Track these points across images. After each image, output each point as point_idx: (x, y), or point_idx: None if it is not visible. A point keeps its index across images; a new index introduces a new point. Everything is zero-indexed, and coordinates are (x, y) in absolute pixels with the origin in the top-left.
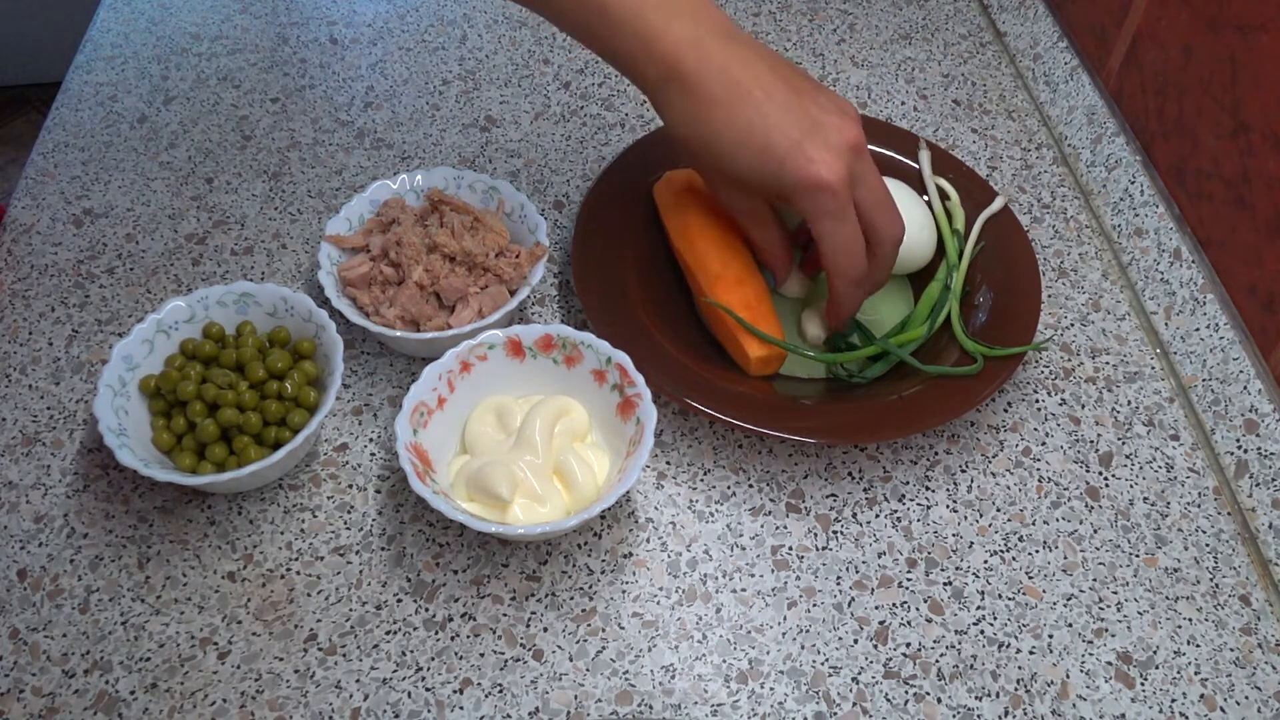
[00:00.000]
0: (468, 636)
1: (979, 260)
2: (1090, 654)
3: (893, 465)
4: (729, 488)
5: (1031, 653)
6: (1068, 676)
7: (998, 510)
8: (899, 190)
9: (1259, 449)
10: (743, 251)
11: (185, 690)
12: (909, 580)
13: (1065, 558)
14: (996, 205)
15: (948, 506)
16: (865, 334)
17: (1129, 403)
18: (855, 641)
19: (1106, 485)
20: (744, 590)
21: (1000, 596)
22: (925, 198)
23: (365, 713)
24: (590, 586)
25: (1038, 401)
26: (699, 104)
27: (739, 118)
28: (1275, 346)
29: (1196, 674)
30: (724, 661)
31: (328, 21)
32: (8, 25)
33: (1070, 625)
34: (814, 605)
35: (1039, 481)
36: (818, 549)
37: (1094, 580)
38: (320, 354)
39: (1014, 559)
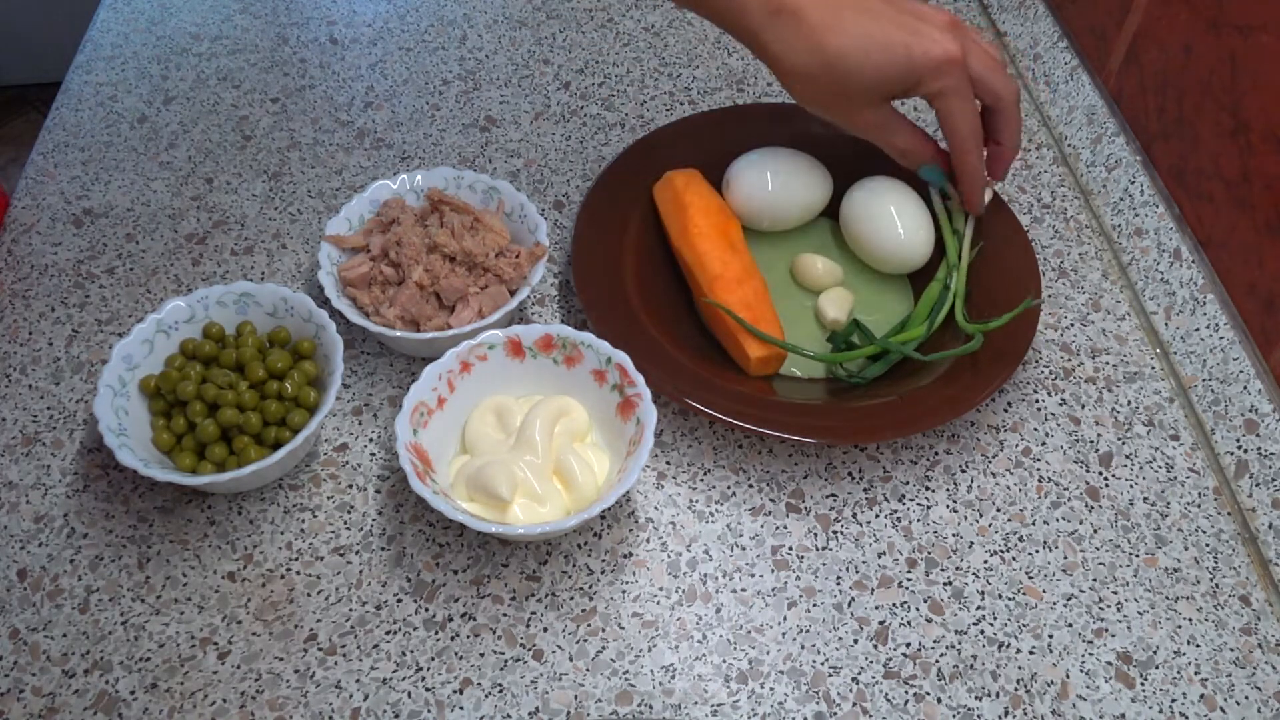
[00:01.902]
0: (468, 636)
1: (979, 260)
2: (1090, 654)
3: (893, 465)
4: (729, 488)
5: (1031, 653)
6: (1068, 676)
7: (998, 510)
8: (899, 190)
9: (1259, 449)
10: (743, 252)
11: (185, 690)
12: (909, 580)
13: (1065, 558)
14: (985, 197)
15: (948, 506)
16: (865, 334)
17: (1129, 403)
18: (855, 641)
19: (1106, 485)
20: (744, 590)
21: (1000, 596)
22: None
23: (365, 713)
24: (590, 586)
25: (1038, 401)
26: (813, 30)
27: (855, 30)
28: (1275, 346)
29: (1196, 674)
30: (724, 661)
31: (328, 21)
32: (8, 25)
33: (1070, 625)
34: (814, 605)
35: (1039, 481)
36: (818, 549)
37: (1094, 580)
38: (320, 354)
39: (1014, 559)
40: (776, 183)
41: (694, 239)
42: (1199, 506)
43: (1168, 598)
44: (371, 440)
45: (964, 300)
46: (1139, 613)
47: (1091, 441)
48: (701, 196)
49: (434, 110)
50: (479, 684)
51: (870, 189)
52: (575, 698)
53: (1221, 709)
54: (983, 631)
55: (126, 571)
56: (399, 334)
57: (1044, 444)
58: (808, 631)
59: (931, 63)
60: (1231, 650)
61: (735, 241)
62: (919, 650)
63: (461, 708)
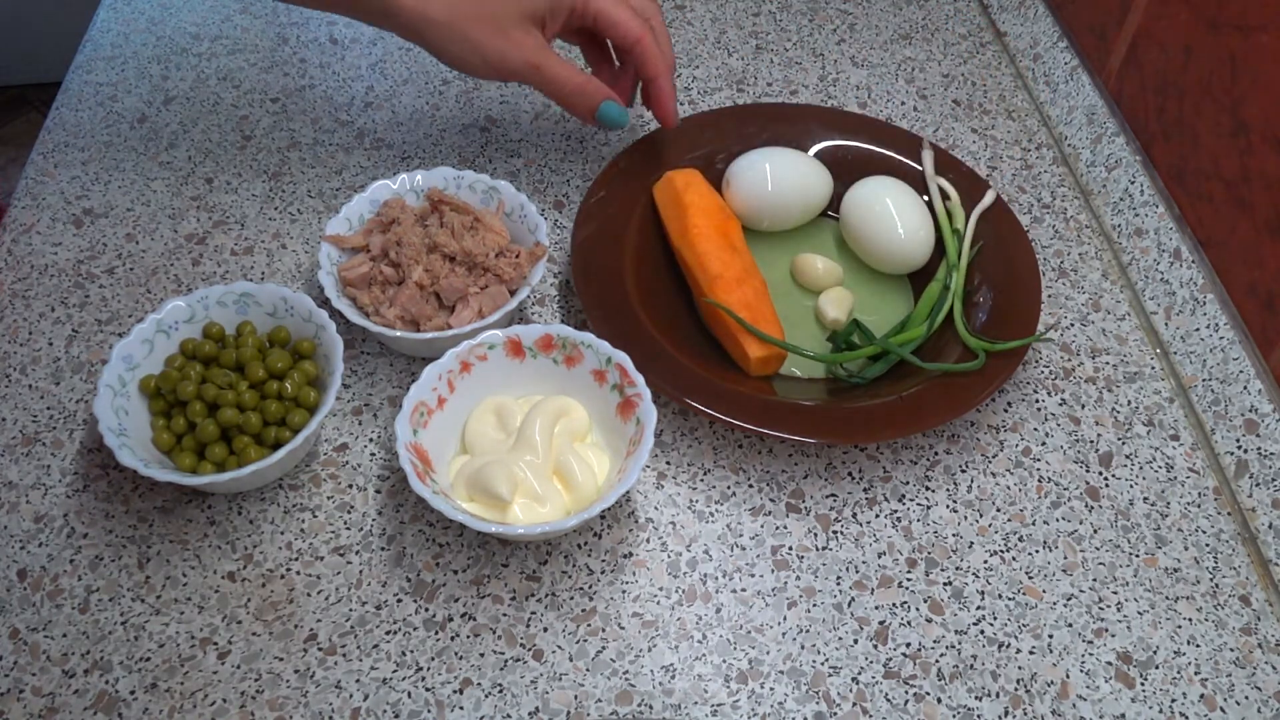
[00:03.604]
0: (468, 636)
1: (979, 260)
2: (1090, 654)
3: (893, 465)
4: (729, 488)
5: (1031, 653)
6: (1068, 676)
7: (998, 510)
8: (899, 190)
9: (1259, 449)
10: (743, 252)
11: (185, 690)
12: (909, 580)
13: (1065, 558)
14: (988, 199)
15: (948, 506)
16: (865, 334)
17: (1129, 403)
18: (855, 641)
19: (1106, 485)
20: (744, 590)
21: (1000, 596)
22: (925, 198)
23: (365, 713)
24: (590, 586)
25: (1038, 401)
26: None
27: None
28: (1275, 346)
29: (1196, 674)
30: (724, 661)
31: (328, 21)
32: (8, 25)
33: (1070, 625)
34: (814, 605)
35: (1039, 481)
36: (818, 549)
37: (1094, 580)
38: (320, 354)
39: (1014, 559)
40: (777, 182)
41: (694, 239)
42: (1199, 506)
43: (1168, 598)
44: (371, 440)
45: (963, 300)
46: (1139, 613)
47: (1091, 441)
48: (702, 196)
49: (434, 110)
50: (479, 684)
51: (870, 189)
52: (575, 698)
53: (1221, 709)
54: (983, 631)
55: (126, 571)
56: (399, 334)
57: (1044, 444)
58: (808, 631)
59: None
60: (1231, 650)
61: (735, 241)
62: (919, 650)
63: (461, 708)
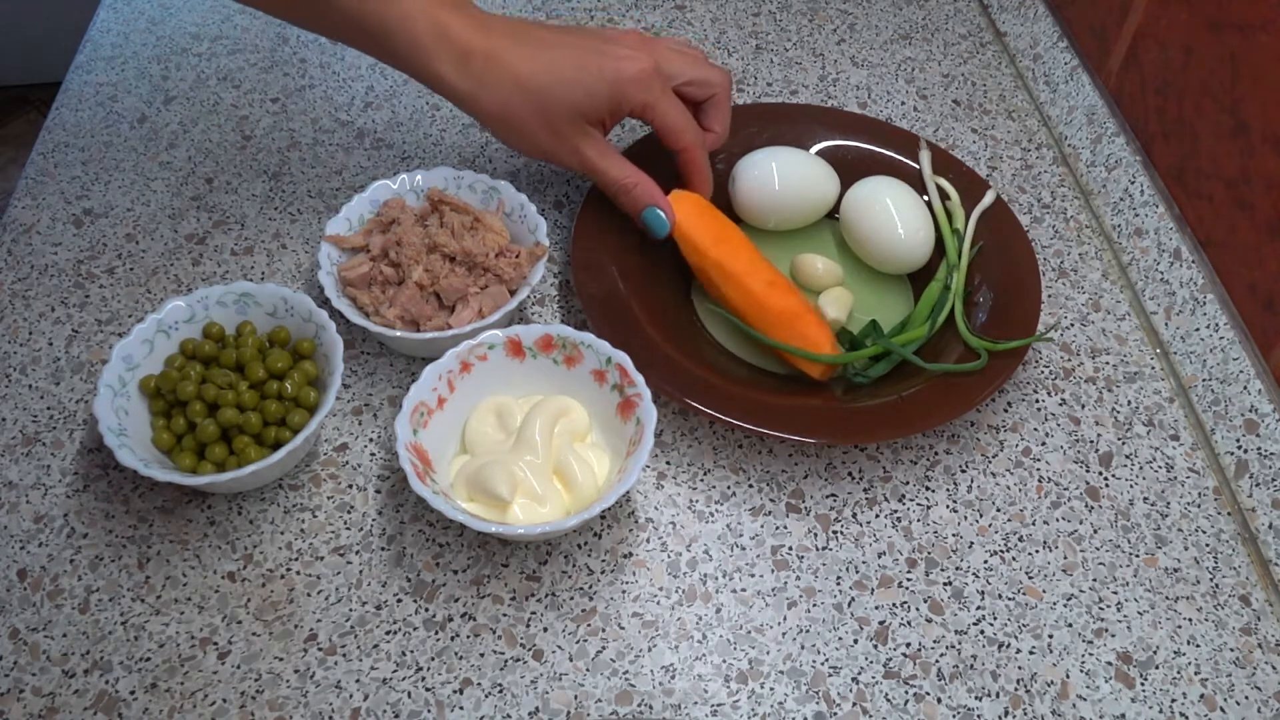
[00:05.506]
0: (468, 636)
1: (979, 260)
2: (1090, 654)
3: (893, 465)
4: (729, 488)
5: (1031, 653)
6: (1068, 676)
7: (998, 510)
8: (899, 190)
9: (1259, 449)
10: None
11: (185, 690)
12: (909, 580)
13: (1065, 558)
14: (988, 199)
15: (948, 506)
16: (879, 334)
17: (1129, 403)
18: (855, 641)
19: (1106, 485)
20: (744, 590)
21: (1000, 596)
22: (925, 198)
23: (365, 713)
24: (590, 586)
25: (1038, 401)
26: (506, 66)
27: (545, 58)
28: (1275, 346)
29: (1196, 674)
30: (724, 661)
31: None
32: (8, 25)
33: (1070, 625)
34: (814, 605)
35: (1039, 481)
36: (818, 549)
37: (1094, 580)
38: (320, 354)
39: (1014, 559)
40: (784, 181)
41: (737, 247)
42: (1199, 506)
43: (1168, 598)
44: (371, 440)
45: (963, 301)
46: (1139, 613)
47: (1091, 441)
48: (717, 211)
49: (434, 110)
50: (479, 684)
51: (870, 189)
52: (575, 698)
53: (1221, 709)
54: (983, 631)
55: (126, 571)
56: (399, 334)
57: (1044, 444)
58: (808, 631)
59: (626, 77)
60: (1231, 650)
61: (764, 256)
62: (919, 650)
63: (461, 708)
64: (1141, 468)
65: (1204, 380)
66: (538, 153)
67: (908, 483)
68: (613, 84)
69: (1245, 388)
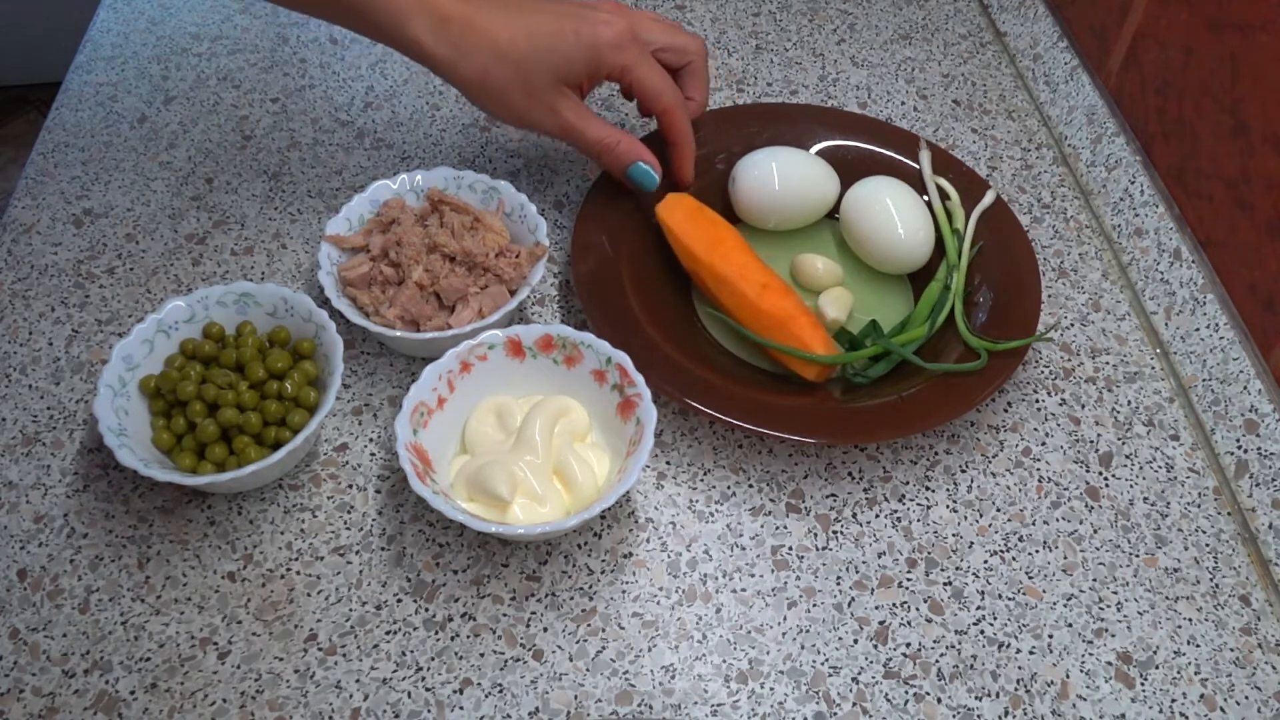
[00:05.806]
0: (468, 636)
1: (979, 260)
2: (1090, 654)
3: (893, 465)
4: (729, 488)
5: (1031, 653)
6: (1068, 676)
7: (998, 510)
8: (899, 190)
9: (1259, 449)
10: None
11: (185, 690)
12: (909, 580)
13: (1065, 558)
14: (988, 199)
15: (948, 506)
16: (880, 334)
17: (1129, 403)
18: (855, 641)
19: (1106, 485)
20: (744, 590)
21: (1000, 596)
22: (925, 198)
23: (365, 713)
24: (590, 586)
25: (1038, 401)
26: (483, 31)
27: (522, 23)
28: (1275, 346)
29: (1196, 674)
30: (724, 661)
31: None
32: (8, 25)
33: (1070, 625)
34: (814, 605)
35: (1039, 481)
36: (818, 549)
37: (1094, 580)
38: (320, 354)
39: (1014, 559)
40: (785, 181)
41: (729, 250)
42: (1199, 506)
43: (1168, 598)
44: (371, 440)
45: (963, 300)
46: (1139, 613)
47: (1091, 441)
48: (712, 214)
49: (434, 110)
50: (479, 684)
51: (870, 189)
52: (575, 698)
53: (1221, 709)
54: (983, 631)
55: (126, 571)
56: (399, 334)
57: (1044, 444)
58: (808, 631)
59: (603, 41)
60: (1231, 650)
61: (759, 258)
62: (919, 650)
63: (461, 708)
64: (1141, 468)
65: (1204, 380)
66: (515, 119)
67: (908, 483)
68: (590, 47)
69: (1245, 388)
